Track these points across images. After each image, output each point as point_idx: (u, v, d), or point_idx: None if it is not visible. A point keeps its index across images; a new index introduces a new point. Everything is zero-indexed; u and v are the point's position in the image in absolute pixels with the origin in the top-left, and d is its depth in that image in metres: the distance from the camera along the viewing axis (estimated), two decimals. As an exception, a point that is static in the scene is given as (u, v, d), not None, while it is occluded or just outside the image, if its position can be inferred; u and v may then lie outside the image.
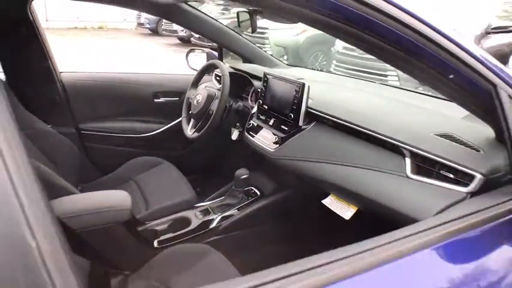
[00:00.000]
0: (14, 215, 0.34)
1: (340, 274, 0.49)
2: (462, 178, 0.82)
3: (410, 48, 0.66)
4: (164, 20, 10.32)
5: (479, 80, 0.72)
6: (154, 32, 11.52)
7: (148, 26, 11.56)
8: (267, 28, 5.56)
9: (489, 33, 5.06)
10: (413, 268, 0.56)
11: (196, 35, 9.08)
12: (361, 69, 4.18)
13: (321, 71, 2.19)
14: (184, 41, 10.19)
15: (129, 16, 12.62)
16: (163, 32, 11.11)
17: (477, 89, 0.74)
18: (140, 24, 11.75)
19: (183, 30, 9.78)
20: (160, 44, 10.24)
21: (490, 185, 0.79)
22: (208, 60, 1.90)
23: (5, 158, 0.36)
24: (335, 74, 2.11)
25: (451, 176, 0.84)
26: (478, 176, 0.79)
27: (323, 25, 0.66)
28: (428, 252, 0.57)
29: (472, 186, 0.79)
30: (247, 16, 1.56)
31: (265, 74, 1.42)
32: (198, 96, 1.53)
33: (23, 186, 0.35)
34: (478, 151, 0.84)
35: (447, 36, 0.66)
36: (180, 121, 1.68)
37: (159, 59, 7.48)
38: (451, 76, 0.72)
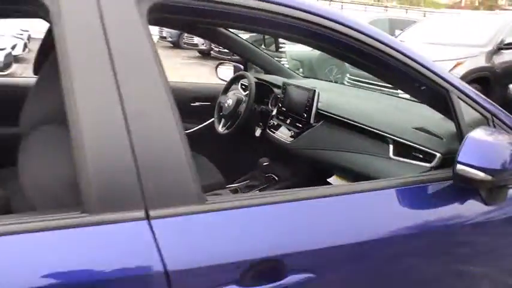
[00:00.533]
0: None
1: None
2: (428, 157, 1.13)
3: (382, 64, 0.98)
4: (185, 34, 10.87)
5: (435, 86, 1.03)
6: (176, 45, 12.09)
7: (170, 40, 12.13)
8: (284, 43, 5.92)
9: (501, 49, 5.29)
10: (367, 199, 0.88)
11: (216, 49, 9.55)
12: (371, 81, 4.49)
13: (335, 82, 2.53)
14: (204, 54, 10.69)
15: (152, 29, 13.25)
16: (184, 45, 11.67)
17: (436, 94, 1.06)
18: (162, 38, 12.34)
19: (203, 44, 10.28)
20: (182, 56, 10.74)
21: (450, 163, 1.10)
22: (235, 72, 2.25)
23: None
24: (347, 85, 2.44)
25: (420, 156, 1.15)
26: (438, 155, 1.10)
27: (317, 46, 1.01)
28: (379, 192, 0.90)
29: (434, 163, 1.10)
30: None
31: (283, 83, 1.77)
32: (229, 100, 1.88)
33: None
34: (442, 139, 1.16)
35: (406, 54, 0.97)
36: (211, 122, 2.03)
37: (181, 71, 7.92)
38: (419, 86, 1.04)
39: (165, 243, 0.65)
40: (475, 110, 1.06)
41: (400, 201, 0.92)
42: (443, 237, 0.96)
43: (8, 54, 6.33)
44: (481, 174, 0.88)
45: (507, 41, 5.12)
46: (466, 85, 1.08)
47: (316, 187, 0.85)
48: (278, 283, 0.73)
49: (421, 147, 1.15)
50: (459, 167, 0.90)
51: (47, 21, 0.77)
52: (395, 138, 1.23)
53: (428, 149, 1.12)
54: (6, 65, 6.20)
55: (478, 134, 0.93)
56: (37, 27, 7.06)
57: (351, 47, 0.94)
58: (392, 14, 18.30)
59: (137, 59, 0.71)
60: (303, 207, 0.80)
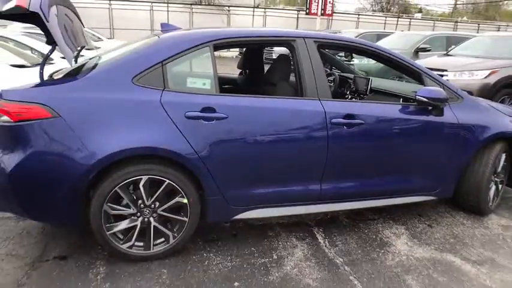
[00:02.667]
0: None
1: None
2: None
3: (386, 61, 2.72)
4: (266, 49, 12.92)
5: (416, 71, 2.71)
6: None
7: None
8: (354, 58, 7.52)
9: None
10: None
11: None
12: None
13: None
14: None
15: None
16: (264, 60, 13.69)
17: (417, 75, 2.73)
18: (241, 53, 14.46)
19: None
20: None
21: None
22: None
23: None
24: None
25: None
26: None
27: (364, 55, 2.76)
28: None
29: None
30: (347, 52, 3.70)
31: (354, 76, 3.49)
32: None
33: None
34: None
35: (407, 60, 2.68)
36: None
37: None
38: (412, 73, 2.74)
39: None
40: (433, 82, 2.71)
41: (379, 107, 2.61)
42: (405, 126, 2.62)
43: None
44: (425, 100, 2.55)
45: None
46: (430, 72, 2.75)
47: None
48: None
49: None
50: (417, 97, 2.57)
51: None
52: (404, 95, 2.90)
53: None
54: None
55: (429, 87, 2.61)
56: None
57: (386, 60, 2.70)
58: (462, 29, 19.42)
59: None
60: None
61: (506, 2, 33.45)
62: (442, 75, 5.53)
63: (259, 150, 2.26)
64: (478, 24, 24.47)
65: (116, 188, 2.05)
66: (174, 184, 2.13)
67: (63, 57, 2.77)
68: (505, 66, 6.03)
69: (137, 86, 2.08)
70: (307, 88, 2.39)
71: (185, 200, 2.17)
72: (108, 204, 2.07)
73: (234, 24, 18.86)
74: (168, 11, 18.13)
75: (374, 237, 2.67)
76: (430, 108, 2.63)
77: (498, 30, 23.25)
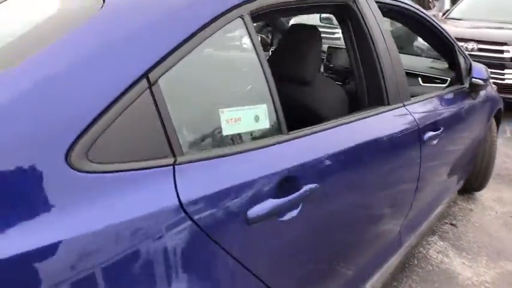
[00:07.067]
0: None
1: None
2: (443, 82, 2.15)
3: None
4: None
5: (447, 42, 2.02)
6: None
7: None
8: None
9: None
10: None
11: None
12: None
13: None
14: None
15: None
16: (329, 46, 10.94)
17: (446, 49, 2.05)
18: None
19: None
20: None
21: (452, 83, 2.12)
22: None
23: None
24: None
25: (439, 81, 2.17)
26: (449, 79, 2.12)
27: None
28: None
29: (447, 83, 2.12)
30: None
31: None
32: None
33: None
34: (445, 72, 2.19)
35: (427, 19, 1.90)
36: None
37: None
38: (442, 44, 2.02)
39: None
40: (465, 58, 2.08)
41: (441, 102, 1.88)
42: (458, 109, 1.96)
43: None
44: (481, 83, 1.93)
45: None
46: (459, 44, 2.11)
47: None
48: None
49: (440, 76, 2.16)
50: (473, 80, 1.92)
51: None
52: (422, 73, 2.23)
53: (444, 76, 2.14)
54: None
55: (475, 65, 1.97)
56: None
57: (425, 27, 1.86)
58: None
59: None
60: None
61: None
62: (501, 51, 4.08)
63: None
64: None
65: None
66: None
67: None
68: None
69: None
70: (390, 88, 1.40)
71: None
72: None
73: None
74: None
75: (431, 268, 2.05)
76: (468, 90, 2.04)
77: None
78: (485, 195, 2.81)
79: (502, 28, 4.45)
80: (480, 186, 2.71)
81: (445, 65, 2.22)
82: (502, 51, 4.10)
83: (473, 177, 2.59)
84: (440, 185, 1.91)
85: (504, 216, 2.58)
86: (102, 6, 0.77)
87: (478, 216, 2.57)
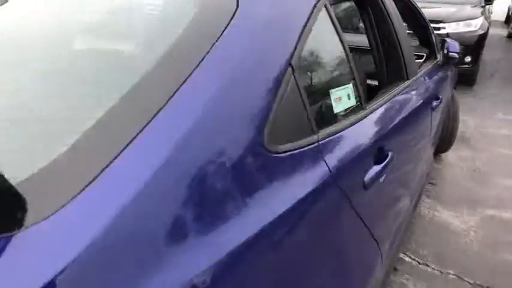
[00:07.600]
0: None
1: None
2: (420, 58, 2.41)
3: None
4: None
5: (421, 21, 2.27)
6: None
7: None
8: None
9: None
10: None
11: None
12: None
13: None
14: None
15: None
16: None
17: (421, 27, 2.31)
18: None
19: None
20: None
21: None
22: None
23: None
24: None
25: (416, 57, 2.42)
26: (424, 55, 2.39)
27: None
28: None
29: (423, 59, 2.39)
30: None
31: None
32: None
33: None
34: (423, 48, 2.45)
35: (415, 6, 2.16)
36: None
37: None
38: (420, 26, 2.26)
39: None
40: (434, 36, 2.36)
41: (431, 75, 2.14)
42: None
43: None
44: (456, 55, 2.21)
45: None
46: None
47: None
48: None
49: (415, 53, 2.41)
50: (451, 54, 2.20)
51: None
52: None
53: (418, 52, 2.41)
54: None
55: (450, 41, 2.25)
56: None
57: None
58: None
59: None
60: None
61: None
62: (439, 28, 4.63)
63: None
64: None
65: None
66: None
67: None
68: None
69: None
70: (408, 64, 1.58)
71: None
72: None
73: None
74: None
75: (427, 223, 2.34)
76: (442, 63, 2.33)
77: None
78: (449, 155, 3.21)
79: (439, 8, 5.09)
80: (446, 148, 3.08)
81: (417, 42, 2.49)
82: (439, 28, 4.66)
83: (441, 140, 2.94)
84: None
85: (469, 170, 2.98)
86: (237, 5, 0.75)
87: (449, 173, 2.94)
